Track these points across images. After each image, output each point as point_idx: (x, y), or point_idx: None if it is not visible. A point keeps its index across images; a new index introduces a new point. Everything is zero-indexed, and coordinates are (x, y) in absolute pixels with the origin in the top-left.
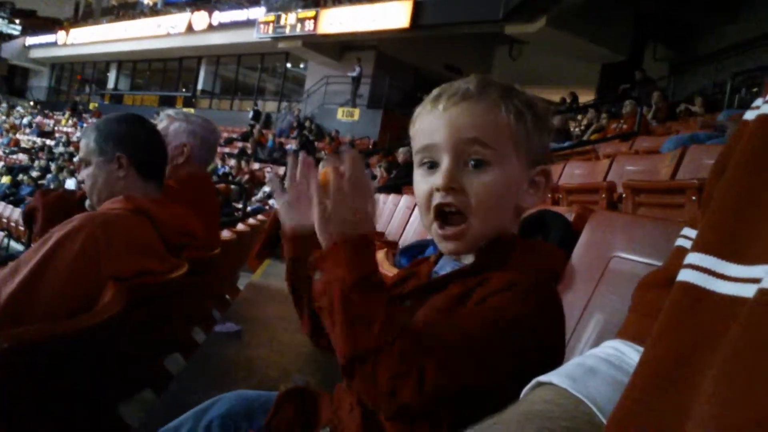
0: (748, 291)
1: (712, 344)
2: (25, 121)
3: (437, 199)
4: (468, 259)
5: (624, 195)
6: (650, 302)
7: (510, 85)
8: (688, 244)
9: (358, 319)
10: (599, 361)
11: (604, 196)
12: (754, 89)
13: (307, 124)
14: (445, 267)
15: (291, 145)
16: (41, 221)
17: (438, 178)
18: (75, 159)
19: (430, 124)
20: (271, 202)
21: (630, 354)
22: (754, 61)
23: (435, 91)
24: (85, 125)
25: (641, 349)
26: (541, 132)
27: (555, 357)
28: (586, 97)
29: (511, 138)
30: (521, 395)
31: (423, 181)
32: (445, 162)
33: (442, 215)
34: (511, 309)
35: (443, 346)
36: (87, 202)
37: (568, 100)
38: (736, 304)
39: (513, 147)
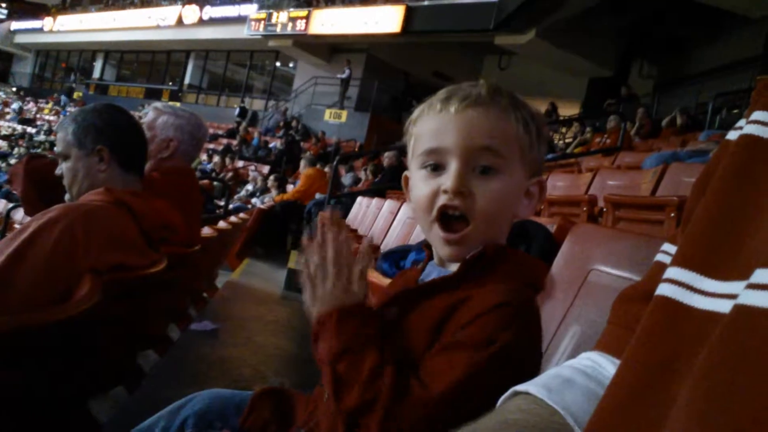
0: (725, 306)
1: (689, 358)
2: (15, 106)
3: (443, 200)
4: (454, 267)
5: (605, 209)
6: (628, 315)
7: (514, 93)
8: (667, 259)
9: (344, 383)
10: (576, 372)
11: (585, 209)
12: (735, 110)
13: (293, 123)
14: (431, 274)
15: (275, 143)
16: (23, 186)
17: (447, 181)
18: (56, 149)
19: (439, 126)
20: (253, 200)
21: (607, 366)
22: (735, 83)
23: (443, 93)
24: (67, 114)
25: (618, 361)
26: (541, 143)
27: (534, 372)
28: (572, 110)
29: (518, 147)
30: (498, 404)
31: (425, 184)
32: (454, 166)
33: (444, 219)
34: (496, 338)
35: (427, 402)
36: (66, 197)
37: (548, 109)
38: (713, 319)
39: (519, 156)
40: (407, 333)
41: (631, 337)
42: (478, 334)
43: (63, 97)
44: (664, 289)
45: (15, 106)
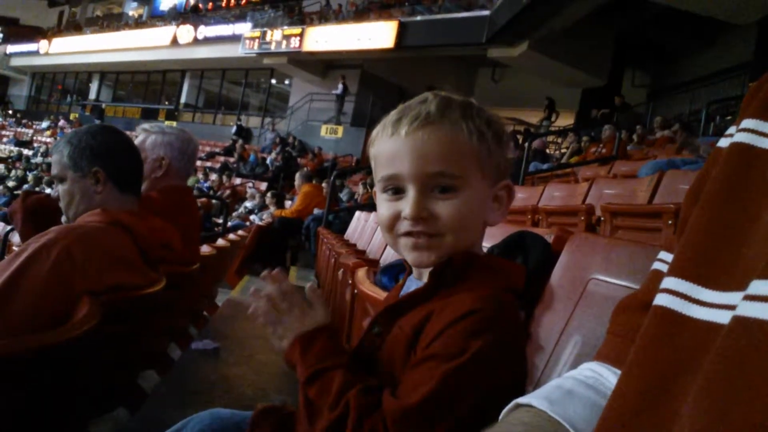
0: (724, 317)
1: (690, 369)
2: (44, 125)
3: (406, 227)
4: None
5: (602, 218)
6: (628, 325)
7: (469, 101)
8: (664, 267)
9: (315, 407)
10: (577, 384)
11: (582, 218)
12: (728, 117)
13: (290, 140)
14: (410, 288)
15: (271, 158)
16: (20, 224)
17: (406, 208)
18: (52, 171)
19: (393, 150)
20: (252, 217)
21: (608, 376)
22: (727, 90)
23: (394, 114)
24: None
25: (619, 371)
26: (502, 148)
27: (519, 378)
28: (566, 121)
29: (474, 159)
30: (500, 417)
31: (387, 206)
32: (411, 192)
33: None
34: (467, 346)
35: (401, 417)
36: (63, 219)
37: (545, 104)
38: (712, 330)
39: (477, 168)
40: (389, 351)
41: (630, 347)
42: (449, 344)
43: (96, 121)
44: (662, 299)
45: (44, 124)
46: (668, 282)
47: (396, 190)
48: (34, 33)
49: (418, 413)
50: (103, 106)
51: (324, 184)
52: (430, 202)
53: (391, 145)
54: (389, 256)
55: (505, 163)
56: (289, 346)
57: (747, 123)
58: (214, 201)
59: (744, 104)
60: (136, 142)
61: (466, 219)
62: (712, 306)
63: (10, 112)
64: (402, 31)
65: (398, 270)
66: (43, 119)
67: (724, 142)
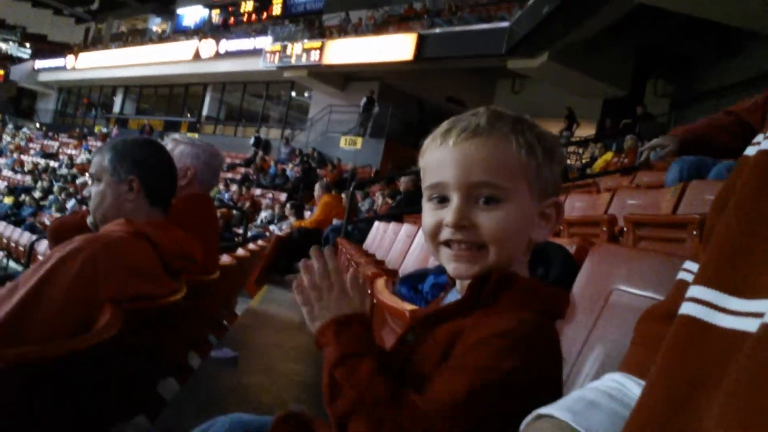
0: (751, 325)
1: (716, 379)
2: (105, 130)
3: (447, 235)
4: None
5: (625, 228)
6: (652, 335)
7: (520, 116)
8: (689, 277)
9: (339, 387)
10: (600, 395)
11: (605, 229)
12: None
13: (309, 152)
14: (450, 299)
15: (289, 168)
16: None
17: (448, 216)
18: (77, 181)
19: (440, 159)
20: (271, 227)
21: (631, 387)
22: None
23: (445, 125)
24: (89, 147)
25: (643, 382)
26: (551, 164)
27: (547, 402)
28: (587, 131)
29: (522, 173)
30: (521, 428)
31: (431, 215)
32: (455, 200)
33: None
34: (499, 365)
35: (425, 416)
36: (89, 219)
37: (565, 115)
38: (739, 338)
39: (524, 182)
40: (421, 359)
41: (655, 357)
42: (481, 359)
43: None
44: (687, 308)
45: (105, 129)
46: (694, 291)
47: (441, 199)
48: (61, 49)
49: (439, 418)
50: (150, 125)
51: (343, 195)
52: (472, 211)
53: (438, 155)
54: (408, 266)
55: (554, 180)
56: (323, 327)
57: None
58: (234, 211)
59: None
60: None
61: (509, 232)
62: (739, 314)
63: (38, 125)
64: (421, 43)
65: (417, 280)
66: (68, 131)
67: (751, 150)
